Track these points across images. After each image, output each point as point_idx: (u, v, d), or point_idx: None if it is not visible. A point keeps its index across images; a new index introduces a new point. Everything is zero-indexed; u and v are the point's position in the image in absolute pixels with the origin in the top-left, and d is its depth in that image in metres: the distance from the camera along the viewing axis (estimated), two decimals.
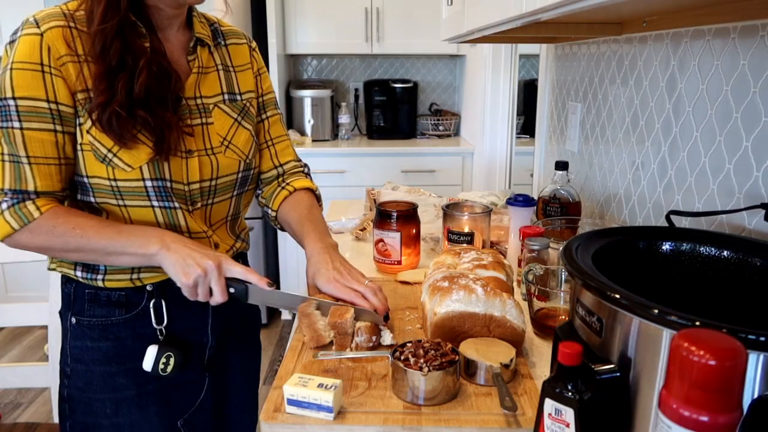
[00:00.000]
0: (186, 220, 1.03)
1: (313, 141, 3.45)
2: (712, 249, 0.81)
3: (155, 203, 1.00)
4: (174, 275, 0.95)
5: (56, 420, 1.41)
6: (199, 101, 1.05)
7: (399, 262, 1.36)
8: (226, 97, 1.10)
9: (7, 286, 3.34)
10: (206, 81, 1.07)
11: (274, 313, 3.46)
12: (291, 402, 0.82)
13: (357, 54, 3.70)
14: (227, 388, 1.19)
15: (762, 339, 0.52)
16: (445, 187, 3.20)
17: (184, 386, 1.10)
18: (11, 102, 0.91)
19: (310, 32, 3.40)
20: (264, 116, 1.19)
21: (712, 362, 0.46)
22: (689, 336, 0.48)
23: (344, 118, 3.57)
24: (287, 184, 1.21)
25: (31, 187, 0.93)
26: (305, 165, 1.28)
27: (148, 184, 0.97)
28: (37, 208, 0.93)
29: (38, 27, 0.92)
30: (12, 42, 0.93)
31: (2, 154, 0.93)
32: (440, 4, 1.81)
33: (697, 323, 0.54)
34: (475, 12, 1.30)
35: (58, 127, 0.94)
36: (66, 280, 1.06)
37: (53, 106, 0.92)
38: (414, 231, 1.37)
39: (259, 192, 1.24)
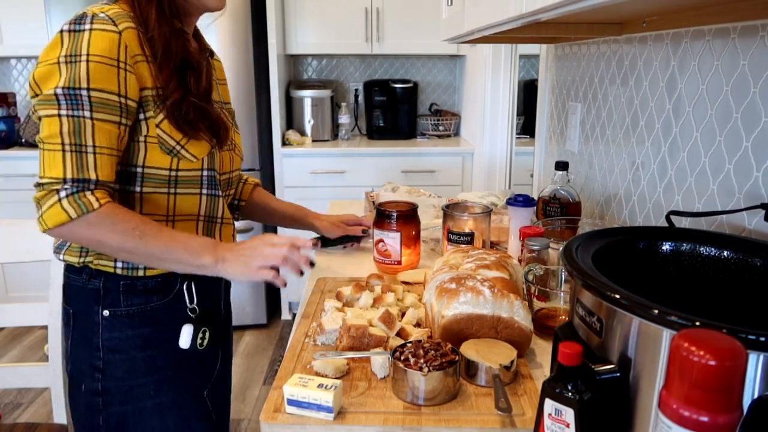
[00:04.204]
0: (223, 207, 1.16)
1: (313, 141, 3.45)
2: (712, 249, 0.81)
3: (204, 191, 1.10)
4: (245, 277, 1.00)
5: (56, 420, 1.41)
6: (217, 104, 1.16)
7: (399, 262, 1.36)
8: (223, 105, 1.22)
9: (7, 286, 3.34)
10: (215, 88, 1.18)
11: (274, 313, 3.46)
12: (291, 402, 0.82)
13: (357, 54, 3.70)
14: (229, 356, 1.30)
15: (762, 339, 0.52)
16: (445, 188, 3.20)
17: (205, 359, 1.17)
18: (84, 92, 0.92)
19: (310, 32, 3.39)
20: None
21: (712, 362, 0.46)
22: (689, 336, 0.48)
23: (344, 119, 3.57)
24: (245, 181, 1.40)
25: (92, 176, 0.94)
26: None
27: (204, 173, 1.08)
28: (97, 200, 0.93)
29: (115, 25, 0.95)
30: (77, 32, 0.93)
31: (63, 144, 0.93)
32: (440, 4, 1.81)
33: (697, 323, 0.54)
34: (475, 12, 1.30)
35: (123, 120, 0.97)
36: (91, 275, 1.05)
37: (122, 100, 0.96)
38: (414, 231, 1.37)
39: None
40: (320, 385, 0.81)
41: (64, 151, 0.92)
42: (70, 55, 0.92)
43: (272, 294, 3.46)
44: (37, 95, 0.95)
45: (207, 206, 1.11)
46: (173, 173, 1.04)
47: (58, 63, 0.92)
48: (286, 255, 1.00)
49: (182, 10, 1.06)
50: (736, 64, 0.99)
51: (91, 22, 0.94)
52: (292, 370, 0.93)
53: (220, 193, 1.14)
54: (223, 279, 1.19)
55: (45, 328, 1.40)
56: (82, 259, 1.05)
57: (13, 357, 3.03)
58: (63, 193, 0.92)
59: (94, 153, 0.94)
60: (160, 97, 1.00)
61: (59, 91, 0.92)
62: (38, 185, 0.94)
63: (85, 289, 1.06)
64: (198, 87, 1.04)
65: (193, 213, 1.09)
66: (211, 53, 1.20)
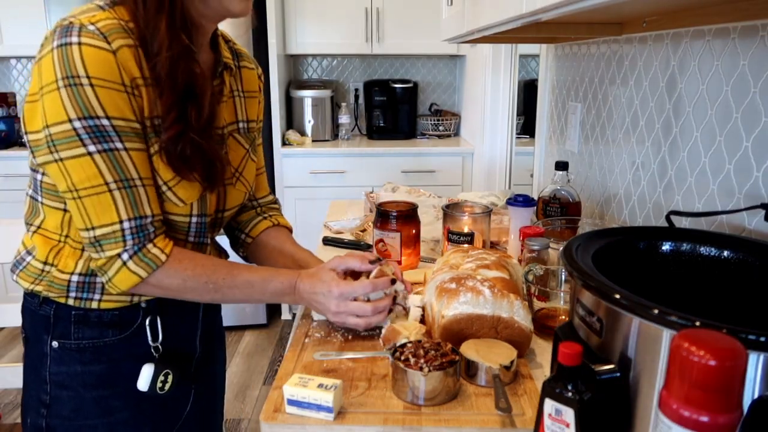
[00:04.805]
0: (210, 254, 1.04)
1: (313, 141, 3.45)
2: (712, 249, 0.81)
3: (191, 239, 0.99)
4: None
5: None
6: (220, 130, 1.01)
7: (399, 263, 1.36)
8: (240, 125, 1.06)
9: (8, 286, 3.34)
10: (226, 108, 1.03)
11: (274, 313, 3.46)
12: (291, 402, 0.82)
13: (357, 54, 3.70)
14: (212, 395, 1.18)
15: (762, 339, 0.52)
16: (445, 188, 3.20)
17: (173, 400, 1.05)
18: (106, 122, 0.81)
19: (310, 32, 3.39)
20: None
21: (712, 362, 0.46)
22: (689, 336, 0.48)
23: (344, 118, 3.57)
24: (270, 215, 1.19)
25: (148, 212, 0.86)
26: (277, 200, 1.26)
27: (194, 220, 0.96)
28: (161, 251, 0.88)
29: (107, 42, 0.80)
30: (64, 45, 0.79)
31: (107, 183, 0.82)
32: (440, 4, 1.81)
33: (697, 323, 0.54)
34: (475, 12, 1.30)
35: (144, 147, 0.87)
36: (42, 301, 0.95)
37: (141, 126, 0.86)
38: (414, 231, 1.37)
39: None
40: (320, 385, 0.81)
41: (110, 190, 0.83)
42: (67, 77, 0.79)
43: None
44: (38, 131, 0.83)
45: None
46: None
47: (58, 88, 0.79)
48: (372, 319, 1.00)
49: (195, 20, 0.90)
50: (736, 64, 0.99)
51: (79, 35, 0.79)
52: (292, 370, 0.93)
53: (208, 240, 1.02)
54: (201, 314, 1.08)
55: None
56: (32, 286, 0.95)
57: (13, 357, 3.03)
58: (126, 256, 0.86)
59: (143, 186, 0.85)
60: (155, 129, 0.87)
61: (77, 124, 0.80)
62: (94, 243, 0.85)
63: (36, 314, 0.96)
64: (199, 119, 0.88)
65: None
66: (227, 66, 1.02)
